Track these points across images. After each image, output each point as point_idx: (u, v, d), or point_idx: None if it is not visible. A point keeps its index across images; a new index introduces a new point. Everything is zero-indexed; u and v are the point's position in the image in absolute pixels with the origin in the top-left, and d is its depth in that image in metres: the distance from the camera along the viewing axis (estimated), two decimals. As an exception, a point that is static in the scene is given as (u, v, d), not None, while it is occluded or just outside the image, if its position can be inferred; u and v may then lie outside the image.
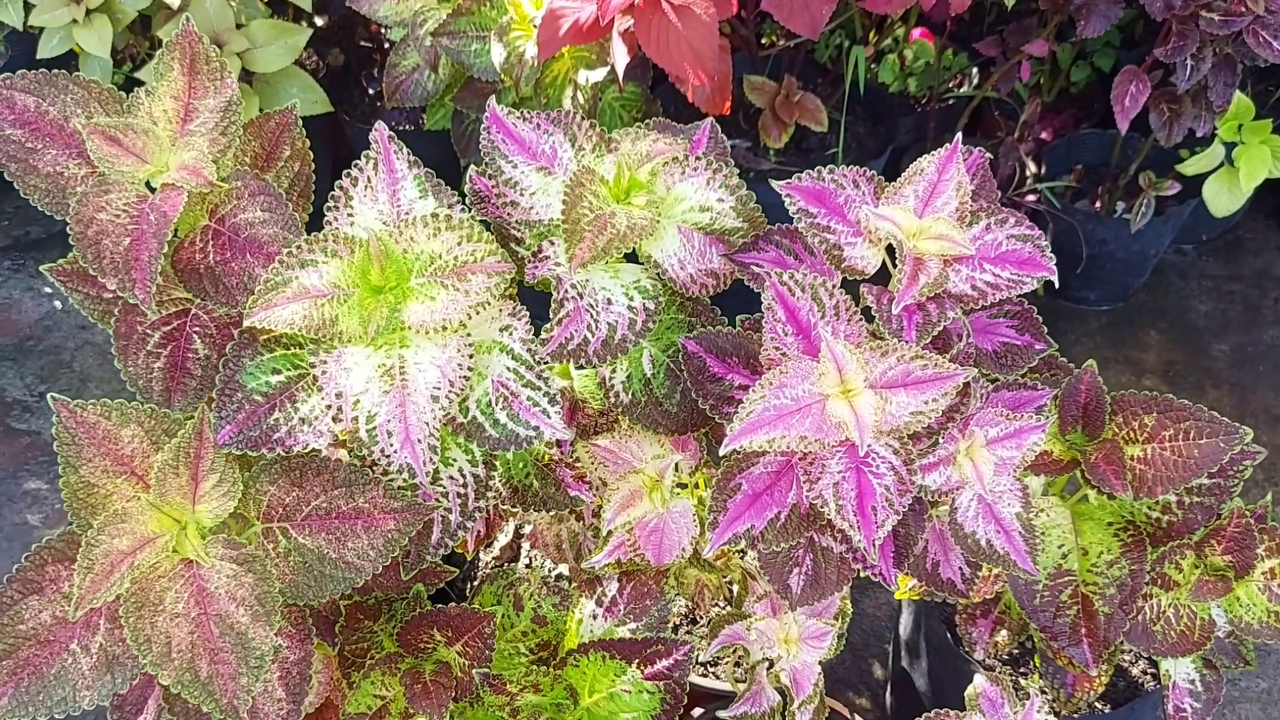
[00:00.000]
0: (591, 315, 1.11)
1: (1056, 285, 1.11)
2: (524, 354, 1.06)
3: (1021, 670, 1.59)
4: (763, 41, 2.42)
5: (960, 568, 1.18)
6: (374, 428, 1.01)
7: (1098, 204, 2.31)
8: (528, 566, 1.66)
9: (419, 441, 1.00)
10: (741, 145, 2.26)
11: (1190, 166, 2.08)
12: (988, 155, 1.16)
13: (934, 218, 1.08)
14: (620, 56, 1.70)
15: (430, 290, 1.02)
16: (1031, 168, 2.31)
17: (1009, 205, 2.31)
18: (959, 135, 1.11)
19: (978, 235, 1.10)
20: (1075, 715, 1.51)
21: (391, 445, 1.01)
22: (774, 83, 2.06)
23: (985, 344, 1.16)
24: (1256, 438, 1.27)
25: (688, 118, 2.06)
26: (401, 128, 2.40)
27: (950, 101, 2.41)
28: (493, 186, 1.15)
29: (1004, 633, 1.46)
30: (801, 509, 1.09)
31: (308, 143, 1.21)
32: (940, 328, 1.04)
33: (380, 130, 1.09)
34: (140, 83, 1.80)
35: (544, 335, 1.07)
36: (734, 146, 2.27)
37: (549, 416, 1.06)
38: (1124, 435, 1.23)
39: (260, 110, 2.09)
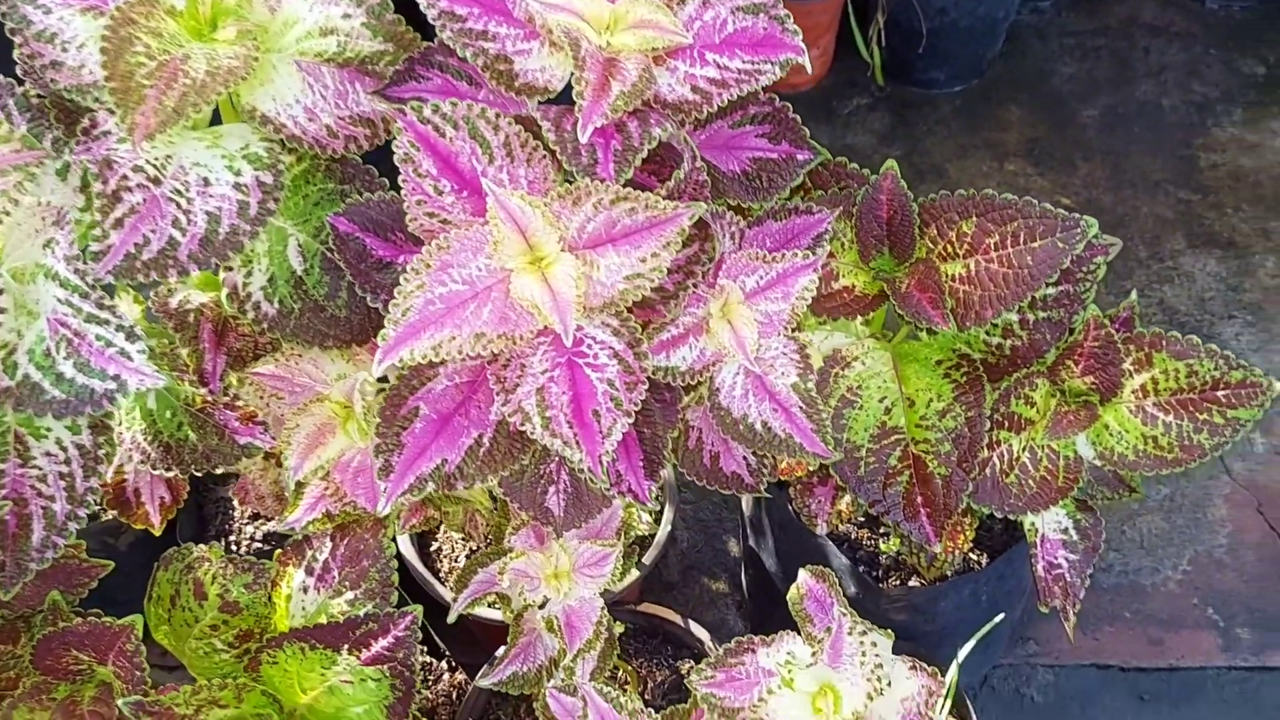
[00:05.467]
0: (179, 205, 0.79)
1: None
2: (74, 279, 0.75)
3: (881, 533, 1.36)
4: None
5: (745, 457, 0.91)
6: None
7: (933, -33, 1.99)
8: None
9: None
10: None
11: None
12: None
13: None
14: None
15: (-91, 209, 0.70)
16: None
17: (832, -16, 1.98)
18: (648, -128, 0.78)
19: (693, 15, 0.79)
20: (948, 575, 1.29)
21: (-107, 440, 0.70)
22: None
23: (729, 164, 0.87)
24: (1135, 208, 1.01)
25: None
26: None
27: None
28: (20, 45, 0.81)
29: (846, 499, 1.22)
30: (513, 425, 0.81)
31: None
32: (645, 151, 0.74)
33: None
34: None
35: (96, 245, 0.75)
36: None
37: (130, 358, 0.76)
38: (940, 252, 0.96)
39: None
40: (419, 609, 0.89)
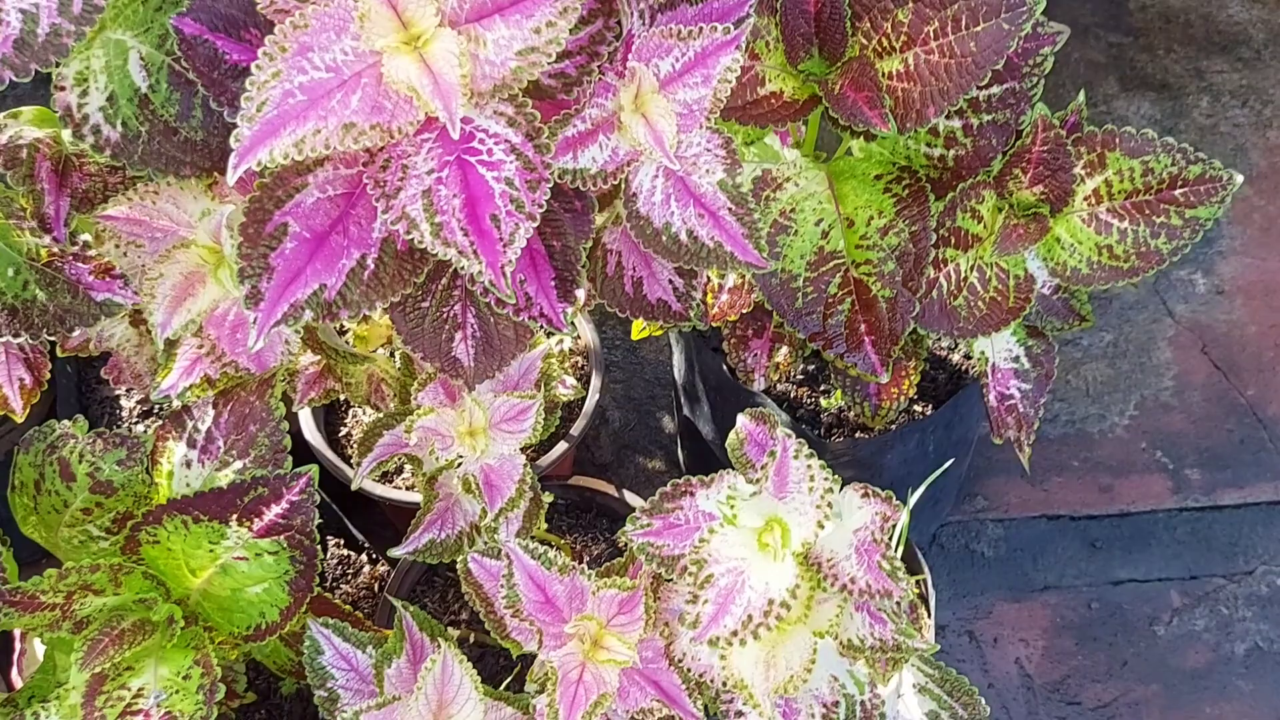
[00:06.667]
0: (-17, 1, 0.66)
1: None
2: None
3: (823, 389, 1.28)
4: None
5: (670, 280, 0.82)
6: None
7: None
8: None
9: None
10: None
11: None
12: None
13: None
14: None
15: None
16: None
17: None
18: None
19: None
20: (891, 427, 1.22)
21: None
22: None
23: (633, -70, 0.76)
24: (1066, 54, 0.94)
25: None
26: None
27: None
28: None
29: (784, 350, 1.14)
30: (400, 241, 0.71)
31: None
32: (530, -103, 0.63)
33: None
34: None
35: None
36: None
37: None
38: (875, 47, 0.87)
39: None
40: (314, 468, 0.79)
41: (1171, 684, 1.31)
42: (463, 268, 0.65)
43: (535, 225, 0.66)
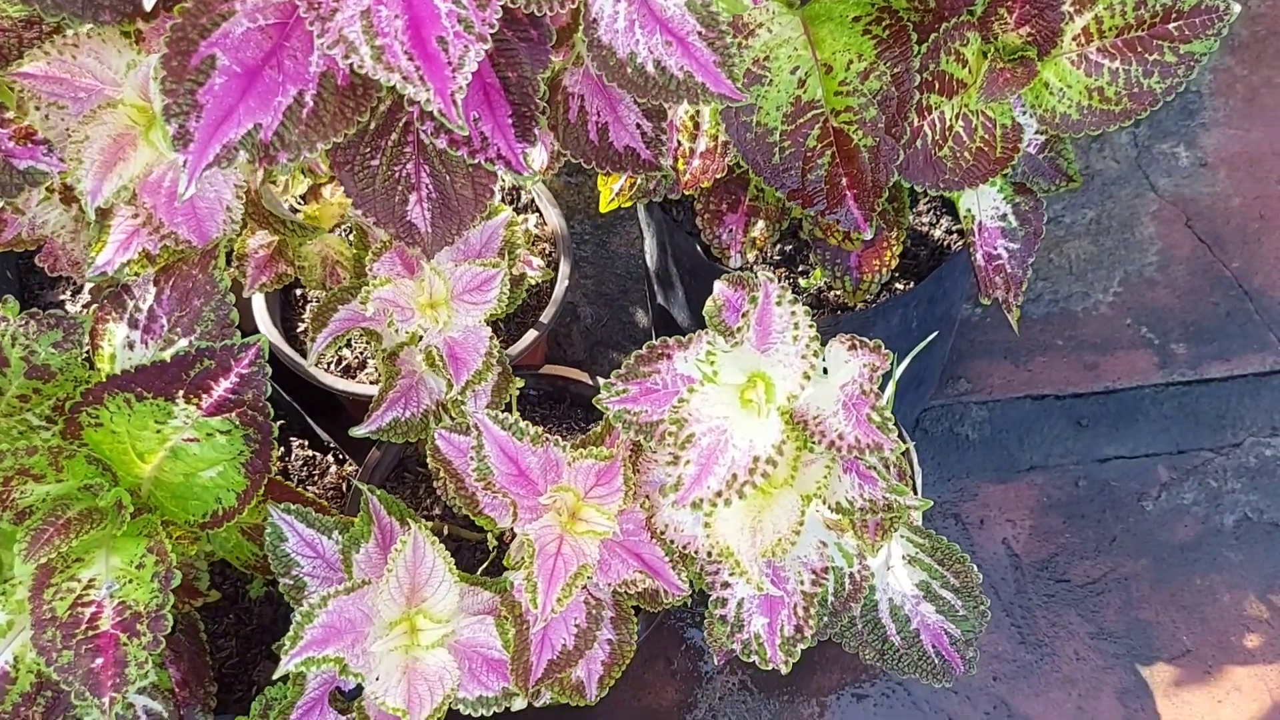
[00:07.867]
0: None
1: None
2: None
3: (801, 270, 1.24)
4: None
5: (638, 125, 0.76)
6: None
7: None
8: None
9: None
10: None
11: None
12: None
13: None
14: None
15: None
16: None
17: None
18: None
19: None
20: (872, 304, 1.18)
21: None
22: None
23: None
24: None
25: None
26: None
27: None
28: None
29: (761, 224, 1.09)
30: (340, 76, 0.65)
31: None
32: None
33: None
34: None
35: None
36: None
37: None
38: None
39: None
40: (262, 337, 0.74)
41: (1161, 557, 1.29)
42: (409, 95, 0.60)
43: (486, 48, 0.60)
